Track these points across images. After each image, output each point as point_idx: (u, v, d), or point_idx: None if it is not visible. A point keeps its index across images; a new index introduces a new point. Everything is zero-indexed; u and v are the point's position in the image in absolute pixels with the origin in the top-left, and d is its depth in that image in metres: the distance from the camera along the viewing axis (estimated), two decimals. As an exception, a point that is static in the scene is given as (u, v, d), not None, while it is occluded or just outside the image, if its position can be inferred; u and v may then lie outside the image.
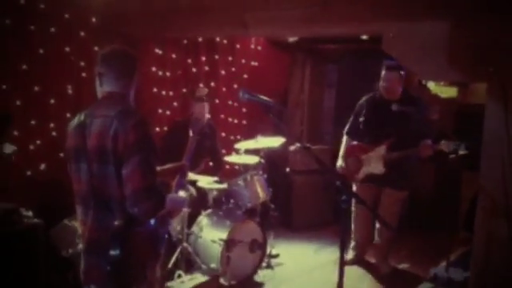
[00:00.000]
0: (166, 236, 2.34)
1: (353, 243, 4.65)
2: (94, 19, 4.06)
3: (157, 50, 4.80)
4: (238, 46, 5.78)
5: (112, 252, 1.99)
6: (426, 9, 2.73)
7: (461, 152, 3.87)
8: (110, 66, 2.20)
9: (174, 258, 3.86)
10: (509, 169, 2.67)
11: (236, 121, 5.84)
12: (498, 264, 2.76)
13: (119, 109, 2.08)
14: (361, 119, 4.37)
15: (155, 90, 4.82)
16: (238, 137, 5.61)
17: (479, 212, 2.87)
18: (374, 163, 4.20)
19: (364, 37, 5.01)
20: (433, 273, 4.16)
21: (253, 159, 4.68)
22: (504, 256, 2.72)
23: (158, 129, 4.91)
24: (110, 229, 2.03)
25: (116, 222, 2.02)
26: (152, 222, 2.16)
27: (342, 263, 2.38)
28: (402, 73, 4.19)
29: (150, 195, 1.97)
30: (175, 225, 3.95)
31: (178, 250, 3.89)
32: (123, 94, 2.20)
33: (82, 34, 4.07)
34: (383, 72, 4.21)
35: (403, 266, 4.74)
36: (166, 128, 4.99)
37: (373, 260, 4.68)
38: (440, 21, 2.69)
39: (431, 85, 6.34)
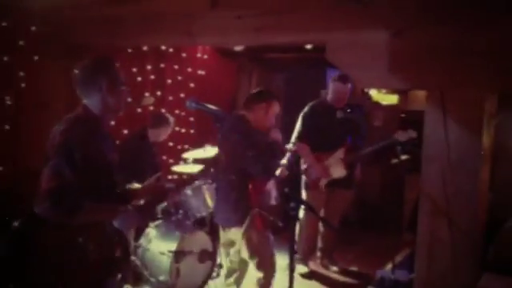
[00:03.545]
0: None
1: (299, 255, 4.63)
2: (33, 28, 3.91)
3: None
4: (184, 54, 5.74)
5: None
6: (367, 19, 2.81)
7: (403, 157, 4.06)
8: (75, 77, 2.28)
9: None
10: (448, 172, 2.78)
11: (183, 130, 5.78)
12: (440, 264, 2.86)
13: (67, 117, 2.21)
14: (308, 127, 4.42)
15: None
16: (186, 146, 5.56)
17: (421, 214, 2.97)
18: (335, 168, 4.34)
19: (308, 46, 5.10)
20: (379, 275, 4.27)
21: (201, 168, 4.65)
22: (446, 256, 2.82)
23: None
24: None
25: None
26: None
27: (292, 269, 2.40)
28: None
29: (50, 199, 1.99)
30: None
31: (126, 263, 3.79)
32: (85, 105, 2.28)
33: (22, 43, 3.92)
34: (336, 83, 4.35)
35: (351, 268, 4.84)
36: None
37: (320, 264, 4.78)
38: (381, 31, 2.78)
39: (373, 92, 6.56)
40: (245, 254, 3.33)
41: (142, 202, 2.43)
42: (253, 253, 3.28)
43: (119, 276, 2.32)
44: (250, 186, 3.16)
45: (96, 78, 2.23)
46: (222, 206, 3.38)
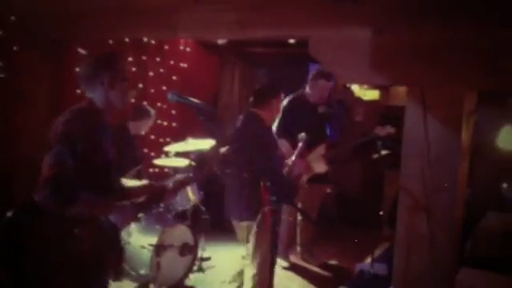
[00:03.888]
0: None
1: (279, 247, 4.65)
2: (12, 18, 3.84)
3: (80, 50, 4.62)
4: (166, 47, 5.70)
5: None
6: (349, 16, 2.83)
7: (383, 152, 4.12)
8: (79, 71, 2.34)
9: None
10: (427, 168, 2.82)
11: (165, 123, 5.75)
12: (419, 258, 2.91)
13: (71, 108, 2.22)
14: (288, 122, 4.42)
15: (79, 91, 4.61)
16: (168, 139, 5.53)
17: (400, 209, 3.01)
18: (316, 164, 4.36)
19: (291, 41, 5.11)
20: (358, 268, 4.32)
21: (183, 162, 4.63)
22: (424, 250, 2.87)
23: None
24: None
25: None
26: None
27: (273, 263, 2.42)
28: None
29: (51, 186, 1.99)
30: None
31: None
32: (90, 98, 2.31)
33: (0, 33, 3.84)
34: (320, 81, 4.36)
35: (331, 262, 4.89)
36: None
37: (300, 258, 4.83)
38: (363, 28, 2.80)
39: (355, 88, 6.60)
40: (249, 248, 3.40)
41: (139, 199, 2.45)
42: (255, 248, 3.33)
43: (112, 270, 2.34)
44: (262, 184, 3.21)
45: (98, 74, 2.27)
46: (233, 202, 3.45)
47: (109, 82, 2.28)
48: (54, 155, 2.06)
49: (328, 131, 4.56)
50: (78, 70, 2.34)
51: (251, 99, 3.57)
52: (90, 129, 2.18)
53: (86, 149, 2.11)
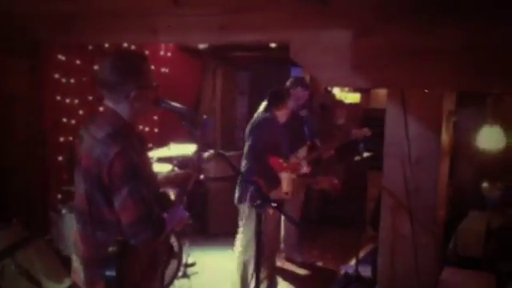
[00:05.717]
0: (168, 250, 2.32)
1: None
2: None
3: (59, 56, 4.56)
4: (146, 52, 5.66)
5: (108, 273, 1.92)
6: (329, 18, 2.84)
7: (365, 154, 4.16)
8: (98, 74, 2.04)
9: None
10: (408, 168, 2.85)
11: (147, 128, 5.70)
12: (402, 258, 2.93)
13: (108, 132, 1.95)
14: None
15: (58, 98, 4.56)
16: (150, 145, 5.48)
17: (383, 210, 3.03)
18: (285, 182, 4.35)
19: (272, 45, 5.12)
20: (343, 270, 4.34)
21: (166, 167, 4.60)
22: (408, 250, 2.90)
23: (62, 139, 4.66)
24: (106, 247, 1.93)
25: (110, 248, 1.93)
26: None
27: (258, 267, 2.41)
28: None
29: (146, 226, 1.90)
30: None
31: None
32: (115, 111, 2.04)
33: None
34: (298, 89, 4.40)
35: (316, 263, 4.89)
36: (71, 138, 4.73)
37: (284, 259, 4.83)
38: (343, 30, 2.81)
39: (336, 91, 6.65)
40: None
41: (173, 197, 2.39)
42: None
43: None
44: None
45: (123, 85, 1.99)
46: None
47: (136, 95, 2.01)
48: (131, 196, 1.88)
49: (306, 132, 4.60)
50: (96, 72, 2.05)
51: (266, 102, 3.98)
52: (137, 148, 1.99)
53: (142, 168, 1.98)
